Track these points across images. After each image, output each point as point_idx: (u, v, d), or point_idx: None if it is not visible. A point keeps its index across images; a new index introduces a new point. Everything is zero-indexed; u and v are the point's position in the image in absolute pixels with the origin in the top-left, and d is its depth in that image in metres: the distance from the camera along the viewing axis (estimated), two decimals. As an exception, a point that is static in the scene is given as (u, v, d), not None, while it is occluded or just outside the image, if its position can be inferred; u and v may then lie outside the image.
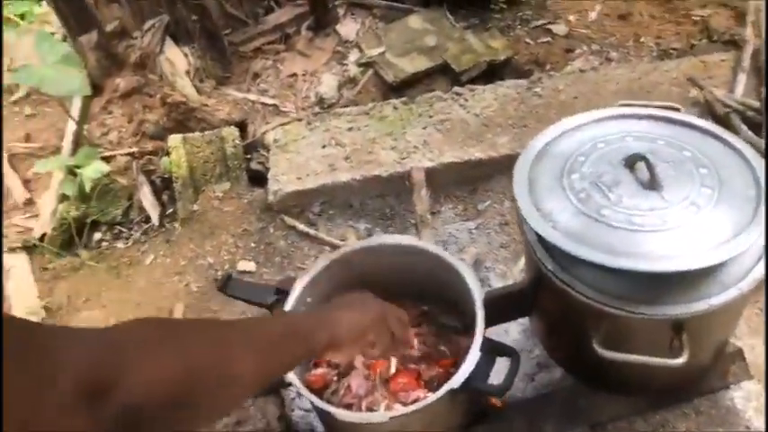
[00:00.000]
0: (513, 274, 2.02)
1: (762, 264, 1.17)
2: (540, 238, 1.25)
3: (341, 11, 3.08)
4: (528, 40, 2.82)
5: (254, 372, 0.84)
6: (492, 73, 2.63)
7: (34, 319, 2.09)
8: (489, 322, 1.70)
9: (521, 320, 1.85)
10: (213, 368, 0.77)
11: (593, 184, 1.24)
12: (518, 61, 2.72)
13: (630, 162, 1.25)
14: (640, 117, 1.39)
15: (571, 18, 2.87)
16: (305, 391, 1.27)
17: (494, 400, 1.67)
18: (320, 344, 1.02)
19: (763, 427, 1.59)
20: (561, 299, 1.25)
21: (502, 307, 1.61)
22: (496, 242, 2.12)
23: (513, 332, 1.88)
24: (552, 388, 1.71)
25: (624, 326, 1.21)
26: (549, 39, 2.80)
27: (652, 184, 1.20)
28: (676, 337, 1.17)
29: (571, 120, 1.42)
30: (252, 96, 2.77)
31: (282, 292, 1.44)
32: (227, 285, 1.47)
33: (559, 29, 2.83)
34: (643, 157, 1.22)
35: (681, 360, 1.14)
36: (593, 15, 2.87)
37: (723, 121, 1.97)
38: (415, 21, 2.93)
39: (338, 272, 1.48)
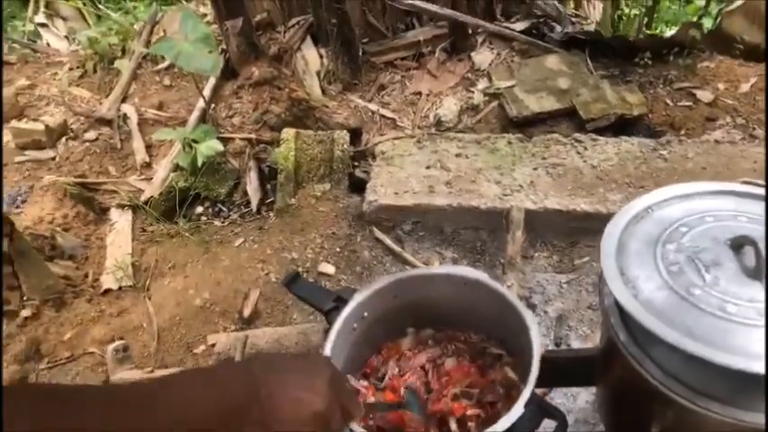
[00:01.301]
0: (595, 339, 1.90)
1: None
2: (618, 305, 1.14)
3: (479, 38, 3.05)
4: (667, 100, 2.66)
5: None
6: (621, 128, 2.50)
7: (119, 273, 2.18)
8: (552, 382, 1.61)
9: (591, 390, 1.73)
10: None
11: (690, 260, 1.13)
12: (651, 121, 2.57)
13: (738, 244, 1.12)
14: (762, 198, 1.25)
15: (720, 86, 2.69)
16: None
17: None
18: (250, 427, 0.86)
19: None
20: (628, 375, 1.14)
21: (568, 369, 1.51)
22: (585, 302, 2.00)
23: (580, 400, 1.76)
24: (607, 469, 1.58)
25: (691, 421, 1.08)
26: (690, 103, 2.63)
27: (757, 273, 1.07)
28: (750, 447, 1.03)
29: (683, 186, 1.30)
30: (373, 106, 2.79)
31: (342, 301, 1.41)
32: (294, 282, 1.47)
33: (704, 95, 2.65)
34: (753, 242, 1.09)
35: (748, 474, 1.01)
36: (744, 87, 2.67)
37: None
38: (552, 61, 2.85)
39: (401, 292, 1.44)
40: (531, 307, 2.02)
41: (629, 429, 1.30)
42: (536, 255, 2.12)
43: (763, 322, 1.02)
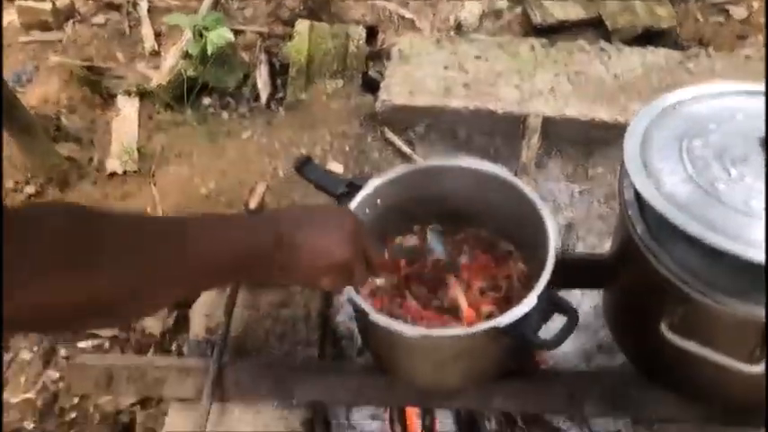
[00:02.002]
0: (603, 248, 1.88)
1: None
2: (638, 197, 1.11)
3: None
4: (698, 15, 2.56)
5: (177, 296, 0.77)
6: (647, 40, 2.40)
7: (125, 157, 2.15)
8: (560, 283, 1.59)
9: (594, 297, 1.72)
10: (126, 295, 0.68)
11: (717, 155, 1.09)
12: (679, 35, 2.47)
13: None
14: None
15: (755, 4, 2.57)
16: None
17: (538, 358, 1.58)
18: (273, 268, 0.86)
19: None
20: (642, 270, 1.12)
21: (577, 272, 1.50)
22: (596, 212, 1.97)
23: (584, 306, 1.75)
24: (607, 371, 1.59)
25: (704, 315, 1.06)
26: (722, 19, 2.53)
27: (785, 172, 1.04)
28: (761, 343, 1.02)
29: (714, 85, 1.25)
30: (391, 6, 2.68)
31: (354, 187, 1.38)
32: (305, 166, 1.43)
33: (738, 12, 2.54)
34: (785, 139, 1.05)
35: (757, 369, 1.00)
36: (780, 5, 2.56)
37: None
38: (581, -32, 2.72)
39: (415, 183, 1.40)
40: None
41: (636, 329, 1.29)
42: (550, 164, 2.08)
43: (788, 218, 0.99)
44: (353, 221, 0.98)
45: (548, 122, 2.00)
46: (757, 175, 1.05)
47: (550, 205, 2.00)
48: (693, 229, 0.98)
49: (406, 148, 2.14)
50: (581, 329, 1.73)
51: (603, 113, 2.00)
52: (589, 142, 2.04)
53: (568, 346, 1.67)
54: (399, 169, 1.39)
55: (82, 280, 0.64)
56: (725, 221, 1.00)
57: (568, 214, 1.97)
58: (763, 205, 1.00)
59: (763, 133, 1.09)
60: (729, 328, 1.06)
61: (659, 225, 1.08)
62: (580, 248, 1.89)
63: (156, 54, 2.61)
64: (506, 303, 1.33)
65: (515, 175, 1.98)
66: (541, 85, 2.08)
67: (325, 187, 1.41)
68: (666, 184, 1.07)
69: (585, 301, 1.75)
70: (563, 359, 1.67)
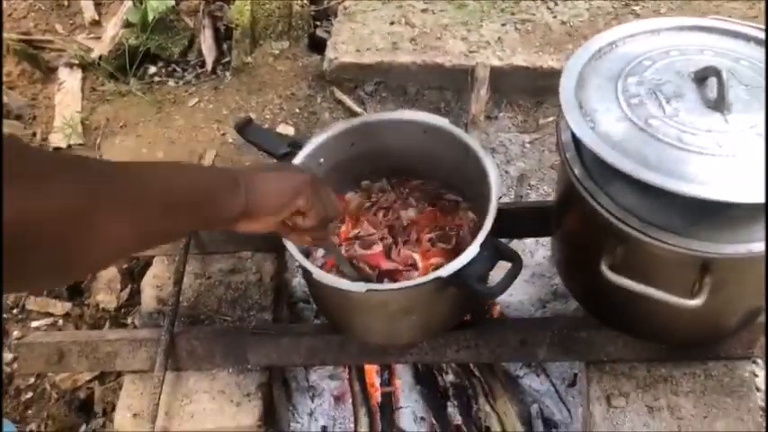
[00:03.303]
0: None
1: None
2: (575, 139, 1.11)
3: None
4: (644, -42, 2.54)
5: (127, 235, 0.68)
6: (594, -14, 2.38)
7: (68, 131, 2.09)
8: (511, 234, 1.60)
9: (548, 246, 1.73)
10: (66, 218, 0.61)
11: (651, 92, 1.08)
12: (627, -21, 2.45)
13: (701, 76, 1.08)
14: (729, 33, 1.20)
15: (700, -56, 2.55)
16: (290, 247, 1.19)
17: (494, 306, 1.59)
18: (232, 211, 0.84)
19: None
20: (582, 213, 1.12)
21: (526, 220, 1.50)
22: (548, 161, 1.97)
23: (538, 256, 1.77)
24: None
25: (642, 254, 1.07)
26: (668, -39, 2.51)
27: (718, 104, 1.03)
28: (700, 278, 1.03)
29: (649, 22, 1.23)
30: (336, -38, 2.62)
31: (297, 146, 1.35)
32: (246, 127, 1.40)
33: (683, -47, 2.53)
34: (717, 73, 1.04)
35: (694, 302, 1.01)
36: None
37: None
38: None
39: (357, 139, 1.38)
40: (494, 167, 1.98)
41: (582, 272, 1.30)
42: (500, 115, 2.07)
43: (719, 151, 0.99)
44: (309, 173, 0.99)
45: (496, 73, 1.97)
46: (690, 109, 1.04)
47: (502, 156, 1.99)
48: (627, 166, 0.98)
49: (356, 107, 2.11)
50: (536, 278, 1.74)
51: (552, 61, 1.98)
52: (538, 91, 2.03)
53: (524, 295, 1.69)
54: (340, 125, 1.37)
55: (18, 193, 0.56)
56: (659, 158, 1.00)
57: (520, 165, 1.97)
58: (697, 140, 1.00)
59: (696, 69, 1.09)
60: (668, 265, 1.07)
61: (596, 166, 1.08)
62: (533, 198, 1.89)
63: (96, 24, 2.52)
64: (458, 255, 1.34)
65: (465, 127, 1.98)
66: (489, 36, 2.06)
67: (266, 148, 1.38)
68: (601, 123, 1.06)
69: (540, 250, 1.76)
70: (520, 308, 1.68)
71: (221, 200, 0.83)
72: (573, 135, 1.10)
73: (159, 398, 1.36)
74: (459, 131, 1.34)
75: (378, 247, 1.38)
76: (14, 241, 0.56)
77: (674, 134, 1.02)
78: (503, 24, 2.09)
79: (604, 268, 1.06)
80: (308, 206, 0.93)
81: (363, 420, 1.49)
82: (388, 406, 1.54)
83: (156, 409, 1.35)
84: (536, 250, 1.76)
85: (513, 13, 2.11)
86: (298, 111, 2.14)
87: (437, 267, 1.31)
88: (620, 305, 1.21)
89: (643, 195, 1.03)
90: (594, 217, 1.08)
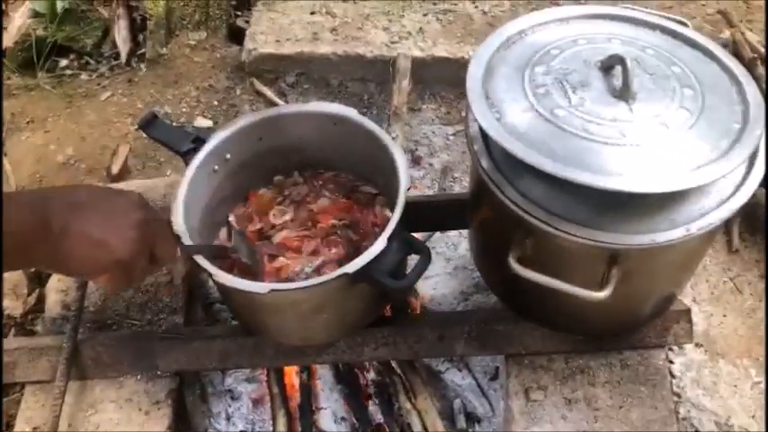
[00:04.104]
0: (479, 188, 1.87)
1: (721, 210, 1.00)
2: (483, 131, 1.08)
3: None
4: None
5: None
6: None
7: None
8: (430, 227, 1.57)
9: (473, 237, 1.71)
10: None
11: (557, 82, 1.06)
12: (550, -30, 2.46)
13: (607, 65, 1.06)
14: (638, 22, 1.19)
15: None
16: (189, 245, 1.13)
17: (415, 301, 1.56)
18: (37, 260, 0.76)
19: (699, 399, 1.47)
20: (492, 205, 1.10)
21: (444, 213, 1.48)
22: (472, 153, 1.95)
23: (461, 248, 1.75)
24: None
25: (550, 246, 1.05)
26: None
27: (623, 93, 1.02)
28: (607, 269, 1.02)
29: (558, 10, 1.22)
30: (255, -50, 2.55)
31: (201, 142, 1.29)
32: (149, 124, 1.32)
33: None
34: (622, 61, 1.03)
35: (601, 294, 1.00)
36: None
37: (747, 67, 1.74)
38: None
39: (267, 133, 1.33)
40: (417, 159, 1.96)
41: (495, 265, 1.27)
42: (424, 107, 2.04)
43: (624, 141, 0.98)
44: (141, 207, 0.85)
45: (418, 64, 1.95)
46: (596, 99, 1.03)
47: (426, 149, 1.97)
48: (532, 158, 0.96)
49: (277, 100, 2.05)
50: (459, 270, 1.73)
51: (472, 51, 1.96)
52: (460, 82, 1.98)
53: (446, 289, 1.68)
54: (245, 119, 1.31)
55: None
56: (565, 149, 0.98)
57: (444, 157, 1.95)
58: (602, 130, 0.99)
59: (602, 57, 1.07)
60: (576, 257, 1.06)
61: (503, 158, 1.06)
62: (456, 190, 1.88)
63: (1, 14, 2.39)
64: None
65: (388, 119, 1.94)
66: (410, 26, 2.03)
67: (170, 145, 1.31)
68: (507, 114, 1.04)
69: (463, 242, 1.75)
70: (443, 301, 1.66)
71: (24, 246, 0.71)
72: (480, 127, 1.08)
73: (60, 409, 1.28)
74: (368, 122, 1.29)
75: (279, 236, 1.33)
76: None
77: (579, 124, 1.00)
78: (424, 15, 2.06)
79: (512, 261, 1.04)
80: (131, 259, 0.80)
81: (281, 421, 1.44)
82: (309, 407, 1.49)
83: (56, 422, 1.27)
84: (459, 243, 1.75)
85: (434, 4, 2.09)
86: (216, 103, 2.07)
87: (341, 259, 1.28)
88: (533, 298, 1.20)
89: (550, 187, 1.02)
90: (503, 209, 1.06)
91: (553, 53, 1.12)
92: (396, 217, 1.12)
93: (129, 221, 0.80)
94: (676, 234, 0.97)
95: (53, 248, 0.72)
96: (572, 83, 1.06)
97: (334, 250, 1.28)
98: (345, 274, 1.07)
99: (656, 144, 0.97)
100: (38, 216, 0.72)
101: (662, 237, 0.99)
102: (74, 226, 0.74)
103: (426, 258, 1.12)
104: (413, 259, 1.14)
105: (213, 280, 1.31)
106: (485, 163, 1.07)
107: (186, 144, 1.29)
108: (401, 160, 1.20)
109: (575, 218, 1.01)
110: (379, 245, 1.09)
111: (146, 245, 0.83)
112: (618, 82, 1.03)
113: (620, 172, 0.95)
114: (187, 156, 1.29)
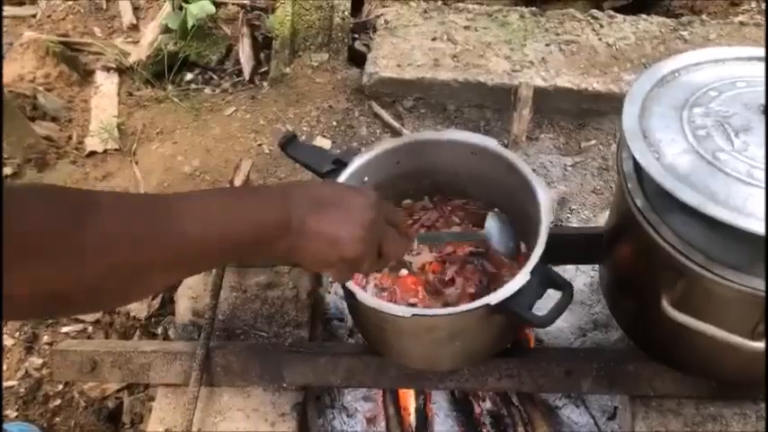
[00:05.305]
0: (596, 222, 1.84)
1: None
2: (637, 169, 1.07)
3: None
4: (690, -18, 2.50)
5: (165, 281, 0.74)
6: (638, 8, 2.35)
7: (105, 135, 2.09)
8: (554, 260, 1.56)
9: (589, 273, 1.69)
10: (109, 283, 0.64)
11: (718, 124, 1.05)
12: (671, 3, 2.42)
13: (771, 109, 1.04)
14: (799, 65, 1.16)
15: (746, -31, 2.52)
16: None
17: (529, 334, 1.55)
18: (275, 254, 0.78)
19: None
20: (642, 244, 1.09)
21: (571, 247, 1.47)
22: (590, 186, 1.93)
23: (578, 283, 1.72)
24: (603, 347, 1.56)
25: (705, 290, 1.03)
26: (714, -14, 2.48)
27: (789, 139, 1.00)
28: (763, 318, 0.99)
29: (713, 50, 1.20)
30: (377, -25, 2.61)
31: (341, 164, 1.33)
32: (290, 143, 1.37)
33: (730, -22, 2.49)
34: (788, 107, 1.01)
35: (759, 344, 0.97)
36: (773, -28, 2.50)
37: None
38: (571, -65, 2.65)
39: (403, 158, 1.36)
40: (533, 189, 1.95)
41: (634, 304, 1.26)
42: (542, 136, 2.03)
43: (793, 189, 0.95)
44: (374, 207, 0.85)
45: (539, 93, 1.94)
46: (759, 144, 1.01)
47: (542, 179, 1.96)
48: (694, 200, 0.95)
49: (394, 123, 2.08)
50: (576, 305, 1.70)
51: (596, 83, 1.95)
52: (581, 114, 2.00)
53: (563, 323, 1.65)
54: (386, 144, 1.34)
55: (63, 269, 0.59)
56: (728, 193, 0.96)
57: (561, 188, 1.93)
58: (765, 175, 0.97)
59: (764, 101, 1.05)
60: (731, 303, 1.03)
61: (659, 197, 1.05)
62: (573, 223, 1.86)
63: (134, 28, 2.53)
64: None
65: (506, 147, 1.94)
66: (532, 56, 2.03)
67: (310, 165, 1.36)
68: (666, 154, 1.02)
69: (580, 277, 1.72)
70: (559, 336, 1.64)
71: (266, 245, 0.76)
72: (635, 165, 1.07)
73: (194, 414, 1.33)
74: (508, 153, 1.30)
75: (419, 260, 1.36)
76: (53, 302, 0.61)
77: (743, 169, 0.98)
78: (547, 45, 2.06)
79: (666, 305, 1.02)
80: (361, 256, 0.82)
81: (397, 444, 1.46)
82: (423, 431, 1.50)
83: (189, 425, 1.32)
84: (576, 277, 1.72)
85: (557, 34, 2.09)
86: (335, 124, 2.12)
87: (475, 292, 1.28)
88: (674, 340, 1.17)
89: (707, 230, 1.00)
90: (654, 249, 1.05)
91: (711, 95, 1.10)
92: (538, 251, 1.12)
93: (361, 221, 0.82)
94: None
95: (290, 244, 0.76)
96: (734, 126, 1.04)
97: (470, 279, 1.29)
98: (487, 305, 1.08)
99: (827, 193, 0.94)
100: (281, 215, 0.76)
101: (828, 290, 0.95)
102: (309, 224, 0.77)
103: (569, 295, 1.12)
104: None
105: (347, 297, 1.35)
106: (639, 202, 1.06)
107: (327, 165, 1.33)
108: (543, 195, 1.20)
109: (733, 262, 0.99)
110: (522, 278, 1.09)
111: (374, 244, 0.85)
112: (784, 128, 1.01)
113: (786, 220, 0.93)
114: (326, 176, 1.33)
